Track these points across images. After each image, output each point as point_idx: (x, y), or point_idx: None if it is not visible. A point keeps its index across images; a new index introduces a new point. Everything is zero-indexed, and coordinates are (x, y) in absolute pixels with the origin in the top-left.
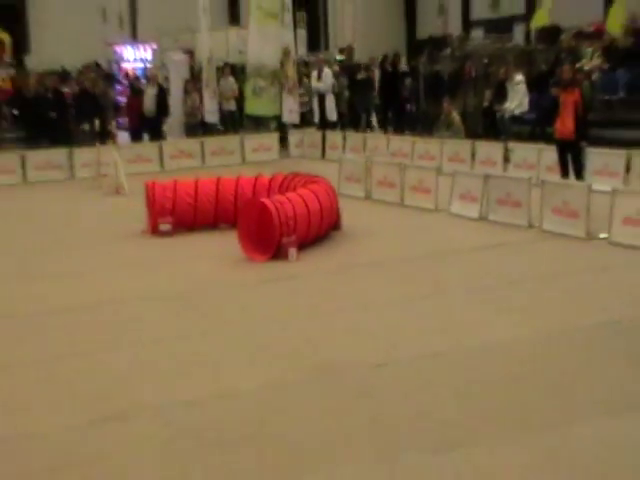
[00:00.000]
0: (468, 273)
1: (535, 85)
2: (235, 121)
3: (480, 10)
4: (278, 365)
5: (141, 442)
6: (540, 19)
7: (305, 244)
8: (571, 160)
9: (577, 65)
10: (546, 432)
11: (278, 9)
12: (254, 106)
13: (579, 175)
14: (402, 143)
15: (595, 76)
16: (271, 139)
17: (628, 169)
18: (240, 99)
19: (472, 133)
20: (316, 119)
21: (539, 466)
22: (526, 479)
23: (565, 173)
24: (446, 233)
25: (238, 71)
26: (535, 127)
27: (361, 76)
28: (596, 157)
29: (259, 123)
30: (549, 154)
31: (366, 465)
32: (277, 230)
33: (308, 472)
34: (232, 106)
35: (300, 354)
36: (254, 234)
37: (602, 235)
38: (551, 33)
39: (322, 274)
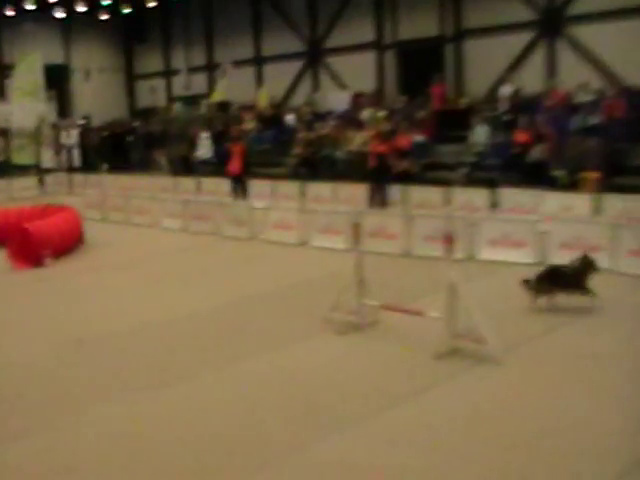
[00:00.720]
0: (174, 267)
1: (215, 139)
2: (3, 169)
3: (178, 90)
4: (47, 341)
5: None
6: (216, 96)
7: (58, 254)
8: (239, 188)
9: (241, 127)
10: (244, 362)
11: (33, 89)
12: (19, 157)
13: (245, 197)
14: (127, 180)
15: (252, 134)
16: (32, 180)
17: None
18: (7, 153)
19: (175, 172)
20: (65, 165)
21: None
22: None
23: (236, 197)
24: (160, 241)
25: (6, 133)
26: (216, 167)
27: (100, 135)
28: (256, 186)
29: (23, 169)
30: (226, 186)
31: (111, 403)
32: (36, 245)
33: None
34: (1, 158)
35: (63, 331)
36: (20, 249)
37: (262, 236)
38: (224, 105)
39: (72, 274)
